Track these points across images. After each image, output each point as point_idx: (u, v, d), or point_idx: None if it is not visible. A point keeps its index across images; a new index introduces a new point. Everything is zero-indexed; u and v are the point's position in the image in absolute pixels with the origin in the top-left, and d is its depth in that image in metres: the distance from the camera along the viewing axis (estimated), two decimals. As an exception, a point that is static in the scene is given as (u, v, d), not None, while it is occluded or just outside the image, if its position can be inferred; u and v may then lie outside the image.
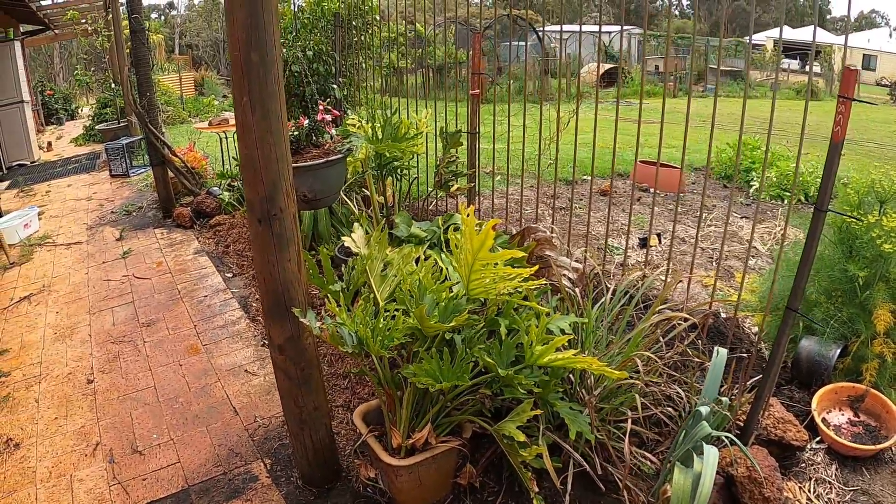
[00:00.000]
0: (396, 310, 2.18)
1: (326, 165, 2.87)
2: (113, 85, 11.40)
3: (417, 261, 2.53)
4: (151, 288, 5.03)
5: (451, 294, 2.09)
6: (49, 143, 12.75)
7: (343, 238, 2.49)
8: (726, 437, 2.13)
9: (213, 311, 4.50)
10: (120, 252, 5.96)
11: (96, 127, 11.74)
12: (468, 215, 1.82)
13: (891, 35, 24.68)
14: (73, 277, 5.50)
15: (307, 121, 3.00)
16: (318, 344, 2.43)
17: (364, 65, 5.21)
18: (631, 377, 2.17)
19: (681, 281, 3.60)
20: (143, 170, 8.80)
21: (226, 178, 6.61)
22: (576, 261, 2.50)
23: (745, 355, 2.83)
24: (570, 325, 2.22)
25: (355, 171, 3.58)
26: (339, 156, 2.92)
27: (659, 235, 5.89)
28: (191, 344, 4.08)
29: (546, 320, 1.97)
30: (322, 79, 4.79)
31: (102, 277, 5.42)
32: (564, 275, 2.38)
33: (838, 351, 3.25)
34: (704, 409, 2.02)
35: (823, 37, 27.52)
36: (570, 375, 2.24)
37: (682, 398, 2.43)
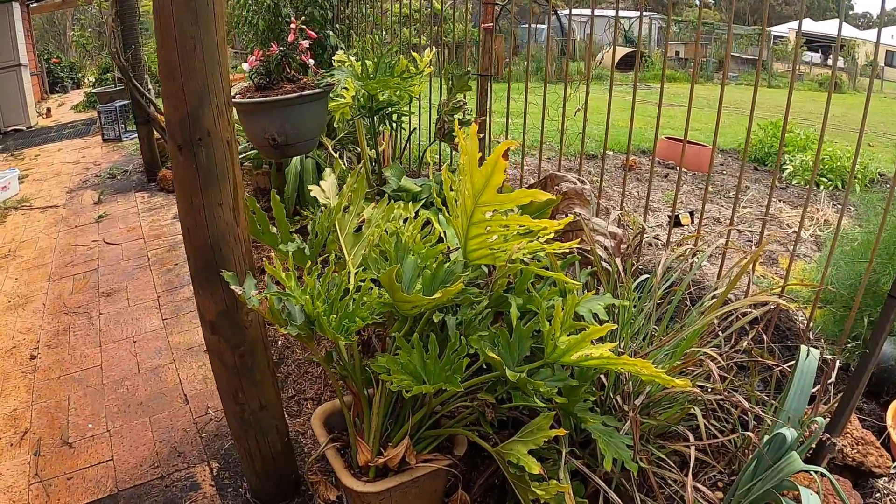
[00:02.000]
0: (373, 280, 1.60)
1: (299, 101, 2.28)
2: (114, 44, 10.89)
3: (407, 221, 1.94)
4: (120, 254, 4.48)
5: (444, 259, 1.49)
6: (48, 110, 12.29)
7: (310, 187, 1.90)
8: (817, 474, 1.53)
9: (180, 282, 3.94)
10: (95, 216, 5.43)
11: (93, 91, 11.26)
12: (468, 137, 1.21)
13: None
14: (41, 242, 4.99)
15: (279, 48, 2.42)
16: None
17: (364, 12, 4.59)
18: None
19: (729, 262, 2.99)
20: (135, 135, 8.30)
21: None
22: (612, 225, 1.90)
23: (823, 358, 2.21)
24: (605, 308, 1.62)
25: (343, 119, 2.98)
26: (317, 90, 2.33)
27: (691, 213, 5.26)
28: (150, 318, 3.53)
29: (575, 300, 1.36)
30: (317, 24, 4.18)
31: (71, 242, 4.90)
32: (599, 241, 1.76)
33: (919, 355, 2.64)
34: (789, 434, 1.41)
35: (846, 31, 26.66)
36: (603, 377, 1.64)
37: (739, 408, 1.83)
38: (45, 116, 11.86)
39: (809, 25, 24.60)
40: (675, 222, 5.02)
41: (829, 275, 3.36)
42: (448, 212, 1.43)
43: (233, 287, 1.44)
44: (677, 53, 24.62)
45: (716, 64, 22.82)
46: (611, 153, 7.77)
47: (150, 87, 6.11)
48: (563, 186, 1.79)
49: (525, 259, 1.45)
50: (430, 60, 2.99)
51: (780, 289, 2.28)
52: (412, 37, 6.20)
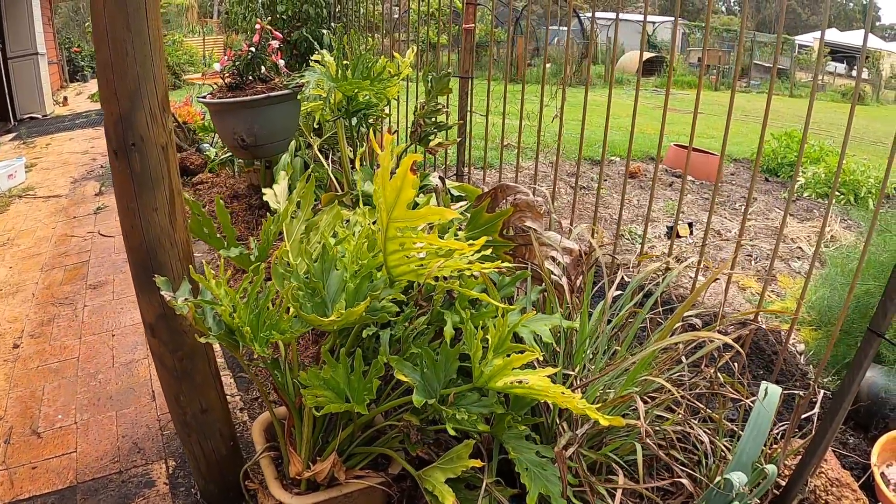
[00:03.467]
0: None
1: (268, 102, 2.25)
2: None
3: (361, 228, 1.90)
4: (112, 247, 4.51)
5: (367, 274, 1.44)
6: (65, 98, 12.45)
7: (264, 191, 1.87)
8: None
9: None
10: (94, 207, 5.47)
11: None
12: (382, 145, 1.16)
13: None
14: (39, 231, 5.04)
15: (249, 49, 2.40)
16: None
17: (363, 10, 4.55)
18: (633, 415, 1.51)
19: (717, 279, 2.91)
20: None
21: (210, 133, 6.10)
22: (574, 239, 1.83)
23: (796, 389, 2.12)
24: (552, 329, 1.57)
25: (324, 120, 2.95)
26: (286, 91, 2.30)
27: (690, 224, 5.16)
28: (131, 311, 3.55)
29: (508, 322, 1.31)
30: (313, 23, 4.16)
31: (68, 233, 4.94)
32: (550, 256, 1.71)
33: (911, 386, 2.54)
34: (737, 479, 1.35)
35: (872, 42, 26.21)
36: (547, 401, 1.59)
37: (703, 442, 1.76)
38: (61, 105, 12.02)
39: (835, 35, 24.17)
40: (671, 232, 4.95)
41: (823, 296, 3.26)
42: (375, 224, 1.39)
43: (164, 293, 1.42)
44: (699, 59, 24.36)
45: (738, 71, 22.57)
46: (617, 159, 7.66)
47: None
48: (517, 198, 1.74)
49: (455, 275, 1.40)
50: (411, 62, 2.94)
51: (752, 312, 2.21)
52: (433, 35, 6.15)
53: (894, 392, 2.50)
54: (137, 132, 1.43)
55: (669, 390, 1.65)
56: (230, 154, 4.42)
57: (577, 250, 1.77)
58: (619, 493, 1.35)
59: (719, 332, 1.84)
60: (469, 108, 2.99)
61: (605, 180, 6.66)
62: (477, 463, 1.30)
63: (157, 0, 1.43)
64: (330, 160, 3.61)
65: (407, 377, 1.28)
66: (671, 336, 1.59)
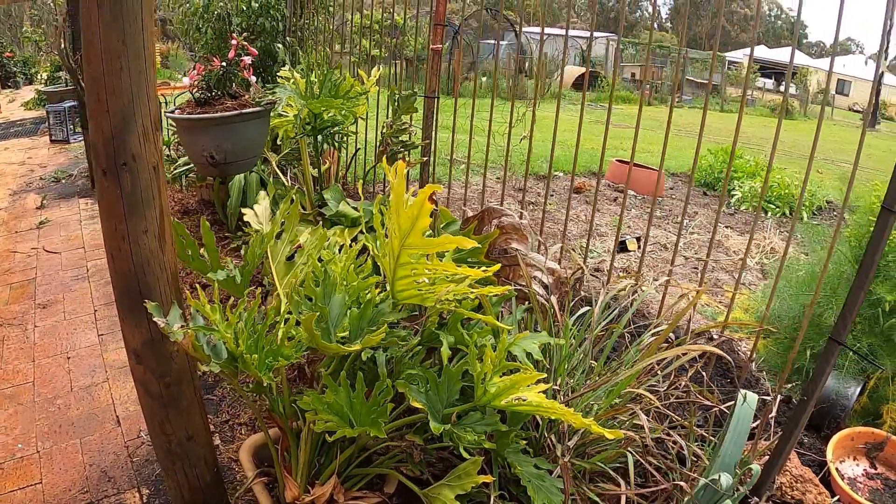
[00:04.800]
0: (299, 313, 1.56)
1: (240, 119, 2.23)
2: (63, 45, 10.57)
3: (342, 250, 1.91)
4: (59, 263, 4.33)
5: (377, 296, 1.46)
6: (-2, 105, 11.84)
7: (243, 210, 1.86)
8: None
9: (122, 296, 3.82)
10: (36, 222, 5.23)
11: (43, 89, 10.90)
12: (396, 176, 1.19)
13: (866, 63, 24.75)
14: (-22, 247, 4.78)
15: (221, 64, 2.37)
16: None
17: (319, 25, 4.53)
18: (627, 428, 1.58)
19: (685, 296, 3.04)
20: (82, 137, 8.07)
21: (165, 145, 5.94)
22: (551, 260, 1.90)
23: (763, 394, 2.24)
24: (541, 346, 1.62)
25: (287, 136, 2.94)
26: (258, 109, 2.29)
27: (638, 239, 5.35)
28: (85, 332, 3.41)
29: (506, 341, 1.36)
30: (268, 36, 4.12)
31: (10, 249, 4.71)
32: (536, 277, 1.77)
33: (858, 389, 2.72)
34: (725, 480, 1.43)
35: (799, 59, 27.75)
36: (537, 416, 1.64)
37: (677, 444, 1.85)
38: (-7, 112, 11.44)
39: (763, 52, 25.43)
40: (622, 248, 5.11)
41: (774, 307, 3.43)
42: (378, 248, 1.41)
43: (156, 319, 1.39)
44: (633, 75, 25.15)
45: (671, 86, 23.44)
46: (561, 174, 7.85)
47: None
48: (503, 221, 1.80)
49: (456, 299, 1.44)
50: (377, 79, 2.97)
51: (720, 325, 2.32)
52: (371, 48, 6.18)
53: (844, 395, 2.67)
54: (129, 151, 1.41)
55: (650, 400, 1.72)
56: (185, 169, 4.31)
57: (559, 271, 1.83)
58: (622, 500, 1.41)
59: (692, 344, 1.94)
60: (434, 128, 3.04)
61: (552, 195, 6.82)
62: (487, 479, 1.33)
63: (151, 14, 1.42)
64: (288, 176, 3.58)
65: (420, 404, 1.30)
66: (659, 352, 1.67)
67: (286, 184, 2.81)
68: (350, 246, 1.76)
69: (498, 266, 1.32)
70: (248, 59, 2.48)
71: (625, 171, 7.49)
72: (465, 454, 1.29)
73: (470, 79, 17.37)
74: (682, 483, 1.56)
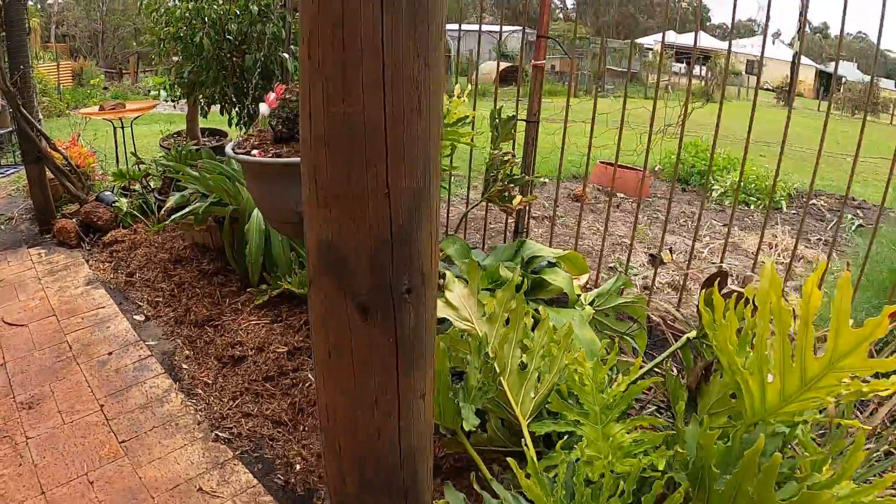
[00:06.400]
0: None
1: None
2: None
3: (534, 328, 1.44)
4: (30, 341, 3.48)
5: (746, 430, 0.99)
6: None
7: (440, 302, 1.34)
8: None
9: (125, 380, 3.08)
10: (-24, 284, 4.29)
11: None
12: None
13: (773, 42, 26.37)
14: None
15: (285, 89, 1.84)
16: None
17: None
18: None
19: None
20: (13, 170, 6.89)
21: (124, 180, 5.09)
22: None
23: None
24: None
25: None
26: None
27: (669, 250, 5.10)
28: (101, 440, 2.67)
29: None
30: (268, 45, 3.48)
31: (-51, 324, 3.79)
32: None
33: None
34: None
35: (707, 42, 29.18)
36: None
37: None
38: None
39: (674, 38, 26.38)
40: (653, 260, 4.83)
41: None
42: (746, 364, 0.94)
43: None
44: (553, 67, 25.52)
45: (590, 77, 23.90)
46: (547, 180, 7.53)
47: (41, 117, 5.01)
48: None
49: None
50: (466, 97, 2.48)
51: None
52: None
53: None
54: (417, 267, 0.86)
55: None
56: (184, 212, 3.60)
57: None
58: None
59: None
60: (534, 158, 2.58)
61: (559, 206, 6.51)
62: None
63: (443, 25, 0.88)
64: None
65: None
66: None
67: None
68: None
69: None
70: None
71: (609, 174, 7.26)
72: None
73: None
74: None
